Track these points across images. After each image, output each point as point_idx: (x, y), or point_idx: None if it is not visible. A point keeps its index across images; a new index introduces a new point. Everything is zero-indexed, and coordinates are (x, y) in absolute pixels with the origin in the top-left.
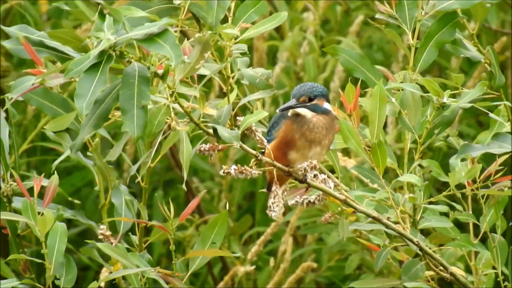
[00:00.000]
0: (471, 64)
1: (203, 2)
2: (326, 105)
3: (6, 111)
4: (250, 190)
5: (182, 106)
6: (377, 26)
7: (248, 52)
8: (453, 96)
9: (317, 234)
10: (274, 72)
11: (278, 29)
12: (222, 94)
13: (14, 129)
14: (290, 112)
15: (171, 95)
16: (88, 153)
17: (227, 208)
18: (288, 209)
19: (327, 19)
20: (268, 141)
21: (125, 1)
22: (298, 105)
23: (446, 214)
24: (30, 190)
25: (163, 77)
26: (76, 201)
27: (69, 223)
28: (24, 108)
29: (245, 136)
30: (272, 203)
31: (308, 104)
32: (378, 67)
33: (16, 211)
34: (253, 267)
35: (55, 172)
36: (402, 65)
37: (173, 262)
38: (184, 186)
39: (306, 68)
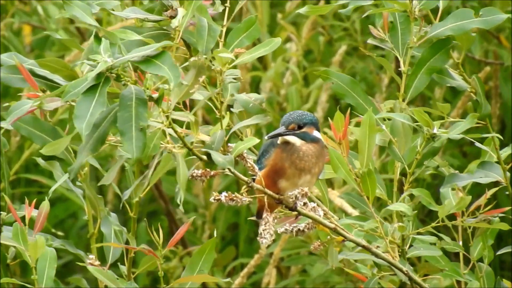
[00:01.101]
0: (454, 94)
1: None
2: (316, 133)
3: None
4: (233, 221)
5: (175, 131)
6: (368, 54)
7: (241, 78)
8: (439, 126)
9: (300, 266)
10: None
11: (261, 60)
12: (206, 124)
13: (3, 157)
14: (279, 140)
15: (166, 119)
16: (78, 183)
17: (215, 235)
18: (272, 241)
19: (310, 50)
20: (259, 169)
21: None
22: (287, 133)
23: (434, 245)
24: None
25: (158, 101)
26: (60, 233)
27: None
28: (8, 139)
29: (235, 164)
30: (263, 230)
31: (298, 131)
32: (369, 97)
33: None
34: None
35: (46, 199)
36: (385, 95)
37: None
38: (180, 206)
39: (289, 98)
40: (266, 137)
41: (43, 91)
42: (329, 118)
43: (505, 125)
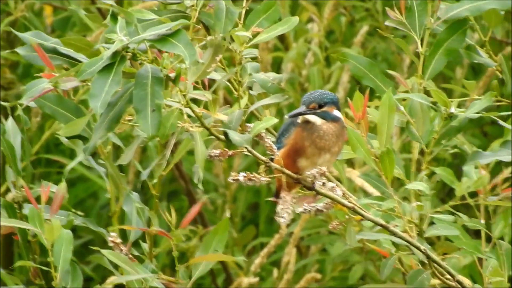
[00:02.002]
0: (476, 74)
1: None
2: (336, 113)
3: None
4: (254, 201)
5: (193, 111)
6: (386, 35)
7: (259, 57)
8: (460, 105)
9: (320, 245)
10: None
11: (282, 40)
12: (226, 104)
13: (25, 136)
14: (300, 119)
15: (184, 98)
16: (100, 161)
17: (228, 216)
18: (291, 220)
19: (332, 30)
20: (278, 149)
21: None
22: (307, 112)
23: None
24: (38, 199)
25: (175, 80)
26: (79, 213)
27: (73, 234)
28: (28, 120)
29: (254, 144)
30: (281, 209)
31: (318, 111)
32: (391, 72)
33: (27, 218)
34: (257, 278)
35: (63, 180)
36: (407, 76)
37: (176, 268)
38: (199, 185)
39: (310, 79)
40: (287, 116)
41: (66, 70)
42: (348, 99)
43: None
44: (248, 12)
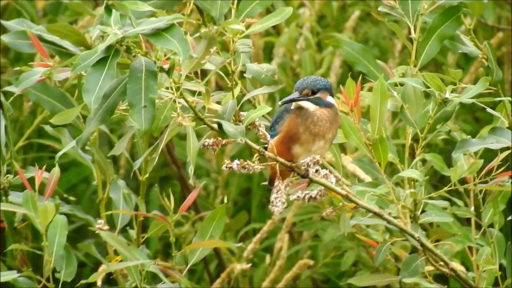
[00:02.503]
0: (467, 60)
1: None
2: (329, 99)
3: (0, 105)
4: (246, 186)
5: (187, 101)
6: (380, 19)
7: (252, 47)
8: (452, 91)
9: (313, 231)
10: None
11: (274, 25)
12: (219, 90)
13: (9, 123)
14: (293, 105)
15: (177, 90)
16: (87, 147)
17: (225, 201)
18: (283, 208)
19: (323, 15)
20: (271, 136)
21: None
22: (301, 98)
23: (446, 209)
24: (29, 183)
25: (169, 72)
26: (72, 198)
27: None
28: (20, 105)
29: (247, 131)
30: (275, 198)
31: (311, 97)
32: (378, 61)
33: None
34: (249, 264)
35: (56, 165)
36: (398, 61)
37: (172, 254)
38: (191, 181)
39: (302, 64)
40: (279, 102)
41: (52, 57)
42: (340, 85)
43: None
44: None
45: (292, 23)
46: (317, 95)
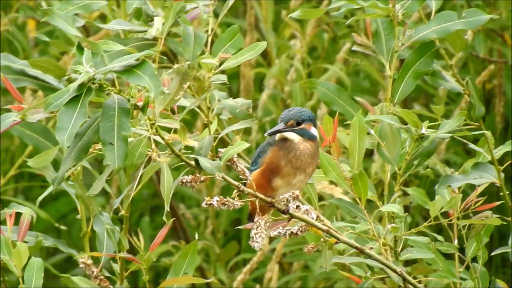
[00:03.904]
0: (458, 93)
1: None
2: (313, 130)
3: None
4: (236, 216)
5: (163, 138)
6: (352, 60)
7: (228, 83)
8: (434, 126)
9: (303, 262)
10: (261, 99)
11: (265, 56)
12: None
13: None
14: (277, 136)
15: (152, 127)
16: (70, 182)
17: (196, 238)
18: (274, 237)
19: (314, 47)
20: (254, 170)
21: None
22: (286, 129)
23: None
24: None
25: (143, 109)
26: (63, 227)
27: (55, 248)
28: (11, 135)
29: (229, 168)
30: (255, 234)
31: (296, 128)
32: (358, 98)
33: None
34: None
35: (38, 202)
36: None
37: None
38: (164, 218)
39: (293, 95)
40: (265, 134)
41: (35, 91)
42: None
43: (509, 123)
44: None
45: (283, 54)
46: (302, 126)
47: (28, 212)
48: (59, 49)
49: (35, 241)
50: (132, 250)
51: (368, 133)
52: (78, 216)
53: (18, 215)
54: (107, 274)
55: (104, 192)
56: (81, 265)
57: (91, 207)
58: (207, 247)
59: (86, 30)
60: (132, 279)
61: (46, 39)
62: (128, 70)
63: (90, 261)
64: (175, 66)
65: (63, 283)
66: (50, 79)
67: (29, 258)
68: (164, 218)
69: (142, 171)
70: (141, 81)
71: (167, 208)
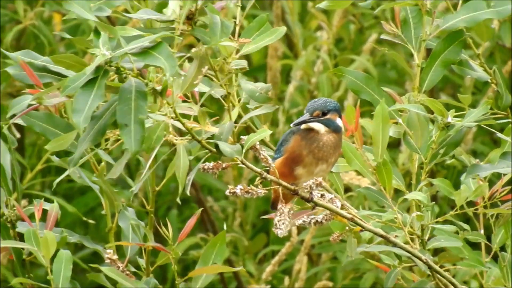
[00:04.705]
0: (485, 82)
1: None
2: (338, 121)
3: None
4: (264, 208)
5: (183, 124)
6: (380, 49)
7: (247, 68)
8: (461, 116)
9: (331, 253)
10: (288, 91)
11: (291, 48)
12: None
13: (14, 155)
14: (303, 126)
15: (171, 112)
16: (94, 178)
17: (225, 228)
18: (302, 228)
19: (341, 38)
20: (277, 158)
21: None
22: (311, 120)
23: (457, 233)
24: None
25: (161, 93)
26: (91, 221)
27: None
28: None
29: (256, 159)
30: (278, 221)
31: (322, 118)
32: (385, 89)
33: (21, 236)
34: (268, 286)
35: (54, 201)
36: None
37: (176, 282)
38: (178, 200)
39: (320, 86)
40: (291, 125)
41: (58, 88)
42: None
43: None
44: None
45: (309, 46)
46: (327, 116)
47: (55, 205)
48: (81, 46)
49: (60, 236)
50: (161, 244)
51: (396, 122)
52: (103, 212)
53: (45, 211)
54: (133, 270)
55: (130, 187)
56: (107, 261)
57: (115, 202)
58: (235, 240)
59: (112, 24)
60: (161, 273)
61: (68, 36)
62: (144, 52)
63: (115, 257)
64: (193, 49)
65: (89, 278)
66: (72, 74)
67: (56, 253)
68: (177, 199)
69: (163, 157)
70: (157, 62)
71: (181, 190)
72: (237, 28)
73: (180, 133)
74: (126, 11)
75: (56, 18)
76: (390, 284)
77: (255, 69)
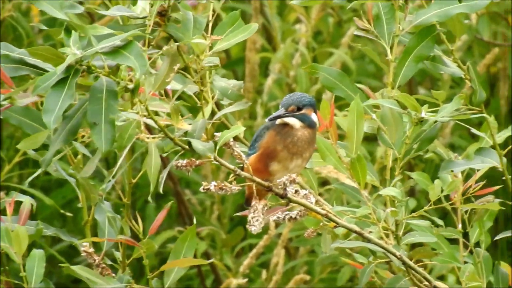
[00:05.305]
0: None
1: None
2: (313, 116)
3: None
4: (242, 202)
5: (156, 121)
6: (353, 45)
7: (220, 65)
8: (437, 111)
9: (309, 246)
10: (266, 84)
11: (270, 41)
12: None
13: None
14: (278, 121)
15: (143, 110)
16: (70, 170)
17: (195, 222)
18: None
19: (319, 31)
20: (251, 154)
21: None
22: (286, 115)
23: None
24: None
25: (133, 91)
26: (68, 214)
27: None
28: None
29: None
30: (252, 218)
31: (297, 113)
32: (358, 85)
33: None
34: (246, 279)
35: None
36: None
37: (147, 277)
38: (150, 199)
39: (298, 80)
40: (266, 120)
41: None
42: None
43: None
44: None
45: (288, 39)
46: (302, 111)
47: (27, 200)
48: (57, 38)
49: (36, 229)
50: (137, 237)
51: (371, 118)
52: (80, 205)
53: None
54: (110, 262)
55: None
56: (83, 254)
57: (92, 195)
58: (213, 233)
59: (91, 17)
60: (138, 266)
61: (44, 27)
62: (115, 51)
63: (91, 250)
64: (164, 47)
65: (64, 272)
66: (49, 67)
67: (32, 246)
68: (149, 198)
69: (137, 154)
70: (128, 61)
71: (153, 189)
72: (210, 24)
73: (150, 130)
74: (105, 5)
75: (34, 9)
76: (365, 280)
77: (234, 62)
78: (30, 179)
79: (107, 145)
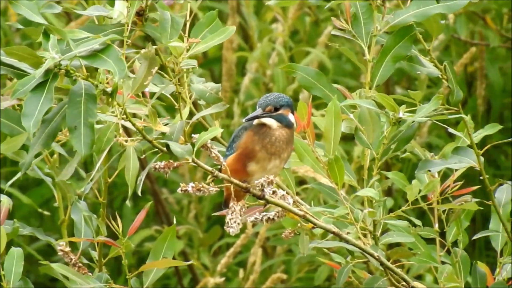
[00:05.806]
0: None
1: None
2: (291, 116)
3: None
4: (219, 201)
5: (134, 124)
6: (331, 45)
7: (197, 67)
8: (414, 111)
9: (286, 245)
10: (243, 83)
11: (247, 40)
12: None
13: None
14: (255, 122)
15: (121, 113)
16: (46, 170)
17: (174, 222)
18: (239, 230)
19: (296, 30)
20: (229, 155)
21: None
22: (264, 115)
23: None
24: None
25: (112, 94)
26: (46, 212)
27: None
28: None
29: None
30: (230, 219)
31: (274, 114)
32: (335, 85)
33: None
34: (223, 278)
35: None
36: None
37: (126, 277)
38: (128, 202)
39: (275, 79)
40: (243, 120)
41: (10, 80)
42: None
43: (491, 106)
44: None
45: (264, 38)
46: (280, 111)
47: (6, 200)
48: (34, 37)
49: (12, 228)
50: (113, 236)
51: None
52: (56, 204)
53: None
54: (86, 262)
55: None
56: (60, 253)
57: (68, 194)
58: (190, 232)
59: (68, 16)
60: (115, 265)
61: (20, 27)
62: (93, 55)
63: (68, 249)
64: (142, 51)
65: (41, 271)
66: (25, 67)
67: (10, 244)
68: (127, 202)
69: (115, 156)
70: (106, 65)
71: (131, 193)
72: (188, 24)
73: (128, 132)
74: (82, 5)
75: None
76: (342, 280)
77: (210, 61)
78: (10, 182)
79: (86, 149)
